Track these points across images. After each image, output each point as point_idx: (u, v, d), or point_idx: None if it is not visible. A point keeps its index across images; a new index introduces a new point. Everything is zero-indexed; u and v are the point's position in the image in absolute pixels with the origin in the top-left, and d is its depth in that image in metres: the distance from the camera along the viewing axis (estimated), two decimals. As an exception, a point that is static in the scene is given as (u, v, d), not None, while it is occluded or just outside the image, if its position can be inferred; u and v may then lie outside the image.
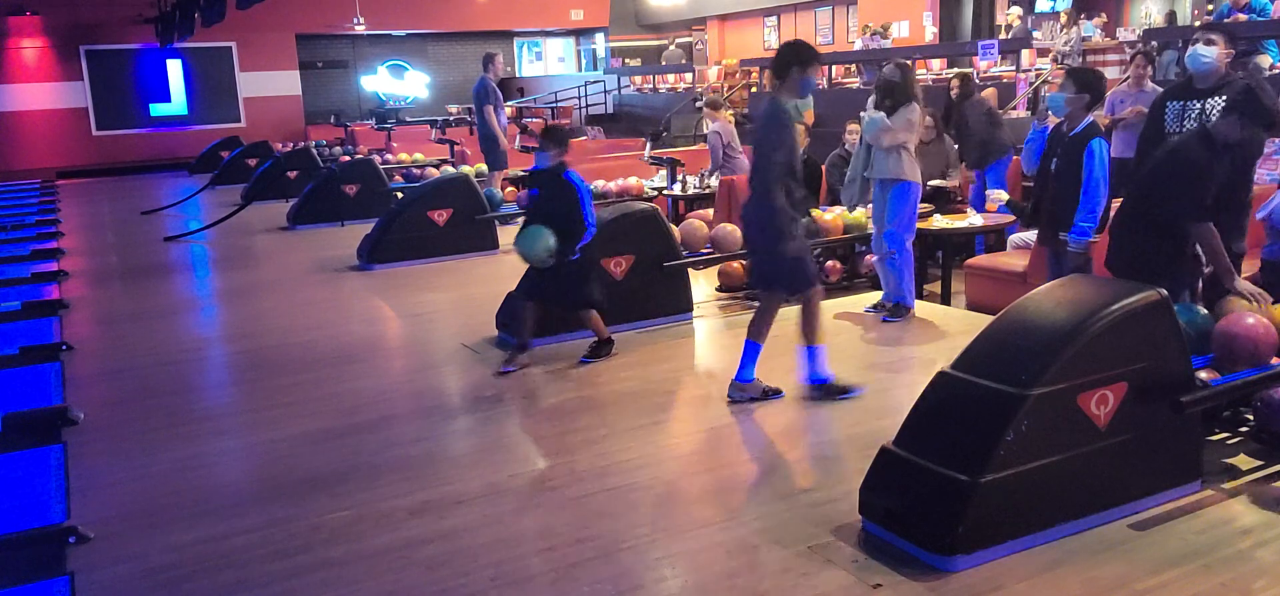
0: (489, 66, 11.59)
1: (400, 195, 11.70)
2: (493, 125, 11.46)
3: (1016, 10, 17.85)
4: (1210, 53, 4.95)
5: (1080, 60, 13.38)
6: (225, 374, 6.61)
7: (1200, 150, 4.57)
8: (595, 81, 25.35)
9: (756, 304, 5.25)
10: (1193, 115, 4.98)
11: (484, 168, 12.26)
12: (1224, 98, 4.88)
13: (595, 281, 6.04)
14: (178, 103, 24.13)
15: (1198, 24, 14.42)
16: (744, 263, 7.15)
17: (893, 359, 5.95)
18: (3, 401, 5.70)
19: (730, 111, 9.93)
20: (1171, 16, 16.14)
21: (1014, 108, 12.57)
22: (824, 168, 9.38)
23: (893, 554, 3.52)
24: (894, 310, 6.64)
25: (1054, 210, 5.27)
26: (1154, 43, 11.31)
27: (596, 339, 6.09)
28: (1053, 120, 5.42)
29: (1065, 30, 14.77)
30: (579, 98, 24.25)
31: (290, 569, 3.67)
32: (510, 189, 12.37)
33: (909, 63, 7.23)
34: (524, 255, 5.76)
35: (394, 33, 26.43)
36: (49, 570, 3.73)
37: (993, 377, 3.58)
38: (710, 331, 6.79)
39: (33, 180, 20.08)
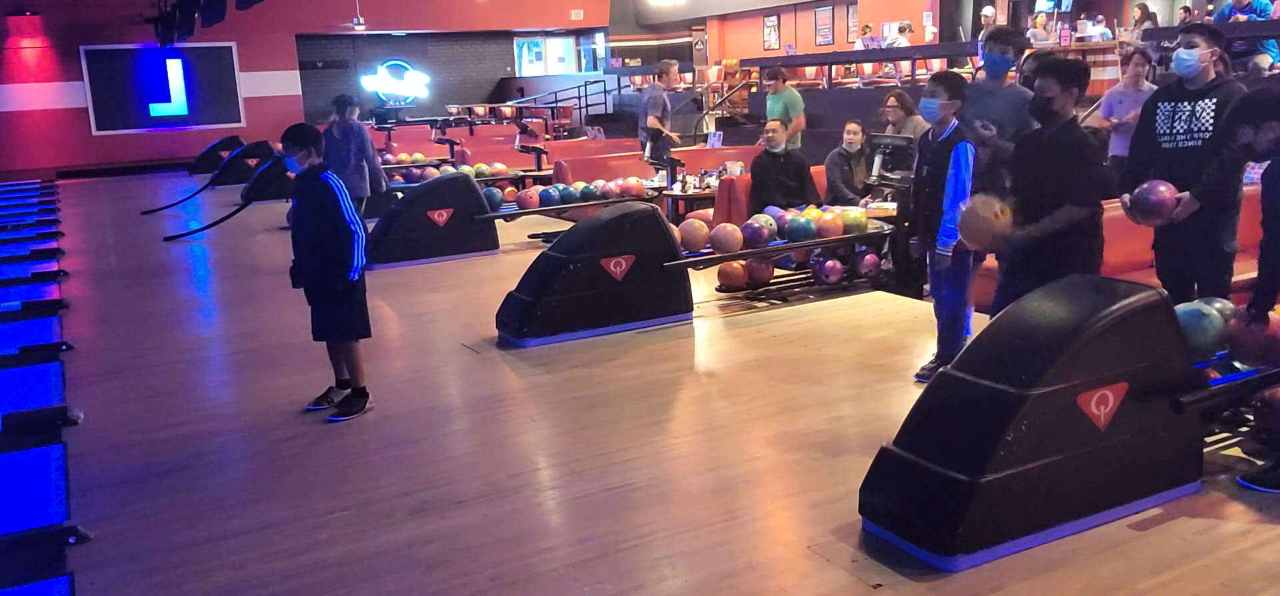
0: (662, 76, 10.93)
1: (400, 195, 11.70)
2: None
3: (989, 11, 17.87)
4: (1192, 56, 4.94)
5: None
6: (225, 374, 6.61)
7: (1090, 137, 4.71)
8: (595, 81, 25.36)
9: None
10: (1183, 116, 4.98)
11: (484, 167, 12.22)
12: (1215, 99, 4.88)
13: (363, 307, 5.31)
14: (178, 103, 24.16)
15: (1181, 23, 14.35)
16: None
17: (893, 359, 5.95)
18: (3, 401, 5.71)
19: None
20: (1147, 14, 16.01)
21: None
22: (823, 167, 9.36)
23: (893, 554, 3.52)
24: None
25: (928, 218, 5.34)
26: (1156, 43, 11.23)
27: (352, 389, 5.35)
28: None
29: (1137, 28, 14.50)
30: (579, 98, 24.26)
31: (290, 569, 3.67)
32: (510, 189, 12.36)
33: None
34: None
35: (394, 33, 26.46)
36: (49, 570, 3.73)
37: (993, 378, 3.58)
38: (710, 331, 6.79)
39: (33, 180, 20.08)
